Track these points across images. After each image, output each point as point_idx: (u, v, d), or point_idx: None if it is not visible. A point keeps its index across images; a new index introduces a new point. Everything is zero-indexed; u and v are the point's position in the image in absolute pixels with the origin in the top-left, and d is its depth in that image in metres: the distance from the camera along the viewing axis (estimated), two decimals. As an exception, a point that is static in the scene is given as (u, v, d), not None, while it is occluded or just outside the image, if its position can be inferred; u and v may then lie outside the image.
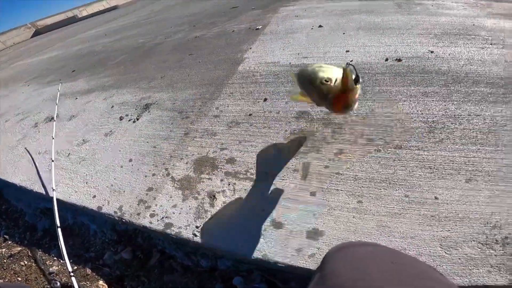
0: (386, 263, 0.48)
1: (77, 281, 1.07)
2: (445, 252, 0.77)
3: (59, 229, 1.14)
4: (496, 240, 0.77)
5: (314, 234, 0.89)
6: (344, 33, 1.68)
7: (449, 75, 1.18)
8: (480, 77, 1.14)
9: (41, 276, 1.21)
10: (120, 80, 2.26)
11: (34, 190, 1.39)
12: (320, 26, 1.81)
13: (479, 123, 1.02)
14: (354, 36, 1.64)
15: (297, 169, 1.06)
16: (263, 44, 1.86)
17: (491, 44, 1.31)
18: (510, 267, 0.72)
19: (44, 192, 1.39)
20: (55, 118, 1.95)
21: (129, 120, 1.71)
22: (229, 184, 1.12)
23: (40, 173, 1.48)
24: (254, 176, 1.11)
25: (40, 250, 1.34)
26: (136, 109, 1.77)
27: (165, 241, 1.14)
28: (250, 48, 1.85)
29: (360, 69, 1.37)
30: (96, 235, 1.30)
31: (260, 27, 2.04)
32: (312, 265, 0.85)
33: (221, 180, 1.14)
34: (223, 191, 1.11)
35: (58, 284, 1.16)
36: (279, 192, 1.03)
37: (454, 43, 1.36)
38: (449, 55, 1.29)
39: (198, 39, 2.39)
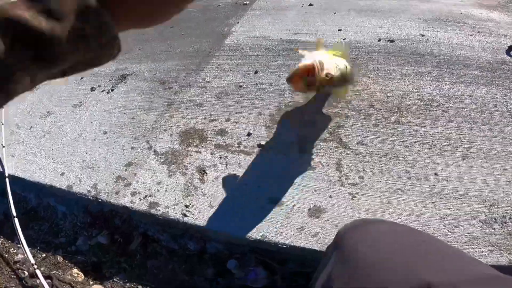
0: (413, 241, 0.44)
1: (47, 271, 0.95)
2: (448, 231, 0.77)
3: (16, 219, 1.05)
4: (495, 219, 0.78)
5: (316, 212, 0.85)
6: (335, 13, 1.64)
7: (441, 57, 1.19)
8: (470, 61, 1.16)
9: (6, 266, 1.07)
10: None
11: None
12: (310, 4, 1.75)
13: (472, 103, 1.03)
14: (345, 16, 1.61)
15: (294, 142, 1.01)
16: (252, 19, 1.77)
17: (478, 32, 1.34)
18: (510, 247, 0.73)
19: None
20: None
21: (102, 91, 1.55)
22: (220, 158, 1.05)
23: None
24: (248, 149, 1.04)
25: (1, 237, 1.19)
26: (110, 80, 1.61)
27: (148, 222, 1.04)
28: (238, 23, 1.75)
29: (354, 47, 1.34)
30: (66, 218, 1.17)
31: (247, 2, 1.94)
32: (316, 245, 0.81)
33: (211, 154, 1.06)
34: (214, 165, 1.03)
35: (26, 274, 1.03)
36: (275, 166, 0.98)
37: (443, 28, 1.38)
38: (439, 39, 1.30)
39: (181, 14, 2.23)
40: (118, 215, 1.09)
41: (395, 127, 0.98)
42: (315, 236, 0.82)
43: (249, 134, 1.07)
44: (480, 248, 0.74)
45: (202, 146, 1.09)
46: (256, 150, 1.03)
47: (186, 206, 0.96)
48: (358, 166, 0.91)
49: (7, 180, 1.17)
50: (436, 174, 0.86)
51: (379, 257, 0.40)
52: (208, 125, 1.15)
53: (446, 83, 1.08)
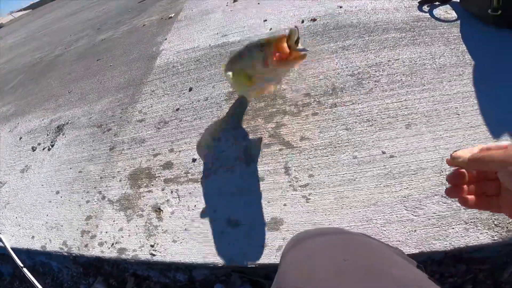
0: (336, 261, 0.41)
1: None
2: (412, 214, 0.72)
3: (25, 269, 1.06)
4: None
5: (274, 224, 0.83)
6: (258, 3, 1.60)
7: (361, 26, 1.19)
8: (388, 25, 1.16)
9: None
10: (22, 105, 1.93)
11: None
12: (234, 0, 1.70)
13: (400, 67, 1.02)
14: (268, 4, 1.57)
15: (238, 156, 0.98)
16: (179, 31, 1.70)
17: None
18: (486, 221, 0.67)
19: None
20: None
21: (43, 149, 1.46)
22: (171, 192, 1.01)
23: None
24: (196, 176, 1.00)
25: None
26: (48, 135, 1.52)
27: (133, 264, 1.03)
28: (166, 39, 1.68)
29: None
30: (62, 271, 1.16)
31: (173, 15, 1.86)
32: None
33: (162, 190, 1.02)
34: (167, 200, 1.00)
35: None
36: (226, 186, 0.94)
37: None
38: (356, 7, 1.29)
39: (105, 42, 2.11)
40: (105, 261, 1.08)
41: (333, 110, 0.97)
42: (280, 250, 0.80)
43: (194, 160, 1.03)
44: (453, 228, 0.68)
45: (152, 185, 1.04)
46: (204, 173, 0.99)
47: (152, 245, 0.94)
48: (305, 165, 0.89)
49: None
50: (383, 152, 0.84)
51: (301, 282, 0.39)
52: (153, 161, 1.10)
53: (371, 52, 1.08)
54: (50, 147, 1.44)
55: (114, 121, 1.33)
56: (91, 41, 2.22)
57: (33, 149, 1.51)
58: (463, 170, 0.39)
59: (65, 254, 1.04)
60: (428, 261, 0.71)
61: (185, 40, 1.57)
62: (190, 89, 1.26)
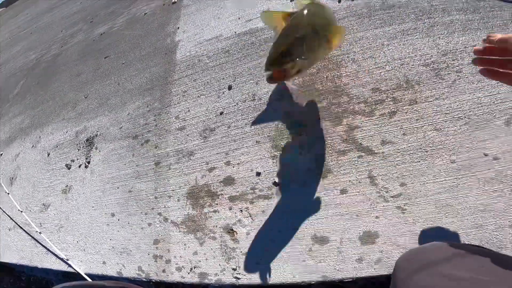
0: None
1: None
2: None
3: None
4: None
5: (368, 238, 0.79)
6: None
7: (413, 7, 1.00)
8: (445, 4, 0.98)
9: None
10: (37, 115, 1.80)
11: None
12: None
13: None
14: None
15: (311, 167, 0.89)
16: (191, 18, 1.48)
17: None
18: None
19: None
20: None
21: (80, 166, 1.39)
22: (241, 211, 0.96)
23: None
24: (264, 192, 0.94)
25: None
26: (79, 150, 1.43)
27: None
28: (178, 28, 1.47)
29: None
30: None
31: (176, 0, 1.60)
32: (382, 270, 0.77)
33: (230, 209, 0.97)
34: (239, 220, 0.95)
35: None
36: (302, 201, 0.89)
37: None
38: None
39: (106, 36, 1.88)
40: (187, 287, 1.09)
41: (414, 108, 0.86)
42: (378, 262, 0.77)
43: (258, 174, 0.95)
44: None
45: (216, 204, 0.99)
46: (274, 189, 0.92)
47: (234, 269, 0.93)
48: (394, 173, 0.81)
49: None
50: (485, 155, 0.76)
51: None
52: (210, 177, 1.03)
53: (439, 38, 0.92)
54: (87, 164, 1.37)
55: (150, 131, 1.23)
56: (88, 36, 1.98)
57: (68, 167, 1.44)
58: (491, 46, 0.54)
59: (144, 280, 1.04)
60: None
61: (203, 28, 1.37)
62: (230, 88, 1.12)
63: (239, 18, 1.28)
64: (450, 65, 0.87)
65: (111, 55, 1.60)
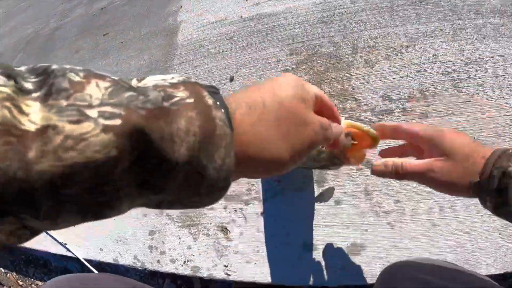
0: None
1: None
2: (506, 242, 0.68)
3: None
4: None
5: (355, 249, 0.79)
6: None
7: (443, 4, 0.90)
8: (481, 5, 0.86)
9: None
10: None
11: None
12: None
13: (509, 66, 0.78)
14: None
15: (307, 174, 0.88)
16: None
17: None
18: None
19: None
20: None
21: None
22: (235, 211, 0.95)
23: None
24: (259, 195, 0.93)
25: None
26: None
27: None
28: (181, 7, 1.39)
29: (334, 9, 1.04)
30: (130, 271, 1.24)
31: None
32: (364, 280, 0.78)
33: (225, 208, 0.97)
34: (233, 220, 0.95)
35: None
36: (297, 207, 0.88)
37: None
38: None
39: (106, 12, 1.80)
40: (179, 278, 1.12)
41: (424, 123, 0.79)
42: (361, 273, 0.78)
43: (256, 175, 0.95)
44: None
45: (211, 201, 1.00)
46: (271, 191, 0.92)
47: (225, 266, 0.95)
48: (390, 189, 0.78)
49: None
50: None
51: None
52: (207, 173, 1.03)
53: (467, 43, 0.83)
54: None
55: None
56: (88, 11, 1.90)
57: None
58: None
59: (139, 268, 1.07)
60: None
61: (207, 8, 1.30)
62: (231, 79, 1.08)
63: (246, 1, 1.21)
64: (471, 76, 0.80)
65: (110, 33, 1.55)
